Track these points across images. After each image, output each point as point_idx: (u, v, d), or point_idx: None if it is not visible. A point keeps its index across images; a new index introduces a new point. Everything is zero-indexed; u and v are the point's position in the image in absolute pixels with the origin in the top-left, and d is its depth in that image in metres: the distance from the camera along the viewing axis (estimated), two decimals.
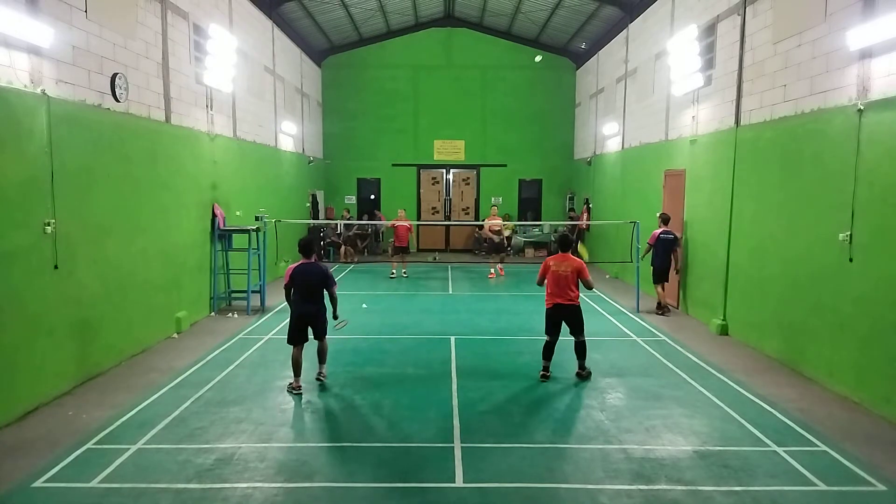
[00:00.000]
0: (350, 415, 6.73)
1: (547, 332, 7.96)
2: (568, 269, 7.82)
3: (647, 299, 12.74)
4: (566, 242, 8.11)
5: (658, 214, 12.00)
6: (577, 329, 7.89)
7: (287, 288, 7.47)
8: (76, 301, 7.43)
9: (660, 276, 11.65)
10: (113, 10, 8.23)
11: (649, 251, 11.75)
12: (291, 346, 7.46)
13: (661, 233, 11.55)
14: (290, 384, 7.41)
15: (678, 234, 11.67)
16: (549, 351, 7.97)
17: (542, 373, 7.94)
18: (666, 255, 11.51)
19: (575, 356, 8.01)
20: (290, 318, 7.51)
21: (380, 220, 19.72)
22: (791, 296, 8.38)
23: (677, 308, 12.11)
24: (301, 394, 7.27)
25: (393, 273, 15.88)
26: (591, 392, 7.44)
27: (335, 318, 7.76)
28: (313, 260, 7.58)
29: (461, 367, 8.40)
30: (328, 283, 7.46)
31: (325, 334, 7.61)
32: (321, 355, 7.68)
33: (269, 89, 15.39)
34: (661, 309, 11.70)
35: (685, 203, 11.81)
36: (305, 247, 7.58)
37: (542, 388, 7.58)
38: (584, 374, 7.93)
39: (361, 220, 20.33)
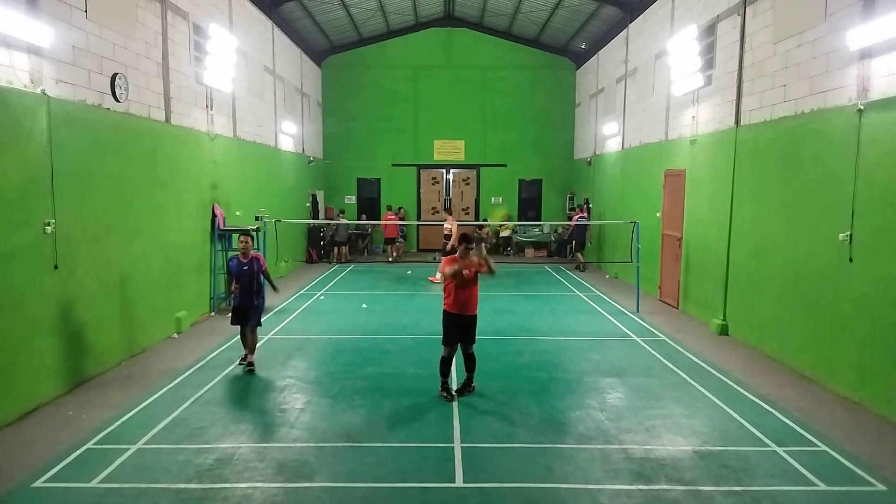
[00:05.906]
0: (350, 415, 6.73)
1: (450, 343, 7.18)
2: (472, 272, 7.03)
3: (648, 299, 12.78)
4: (471, 239, 7.11)
5: (577, 204, 17.78)
6: (472, 338, 7.22)
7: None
8: (76, 301, 7.43)
9: (579, 247, 17.42)
10: (113, 10, 8.24)
11: (572, 231, 17.50)
12: (238, 341, 8.64)
13: (578, 216, 17.12)
14: (247, 359, 8.21)
15: (589, 220, 17.36)
16: (448, 366, 7.26)
17: (445, 394, 7.13)
18: (583, 232, 17.27)
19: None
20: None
21: (401, 218, 19.69)
22: (791, 296, 8.38)
23: (677, 308, 12.12)
24: (253, 369, 8.12)
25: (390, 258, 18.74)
26: (591, 392, 7.44)
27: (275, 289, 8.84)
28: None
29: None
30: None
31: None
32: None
33: (269, 89, 15.39)
34: (581, 267, 17.24)
35: (685, 203, 11.81)
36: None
37: (541, 389, 7.56)
38: (472, 389, 7.31)
39: (360, 219, 20.32)
